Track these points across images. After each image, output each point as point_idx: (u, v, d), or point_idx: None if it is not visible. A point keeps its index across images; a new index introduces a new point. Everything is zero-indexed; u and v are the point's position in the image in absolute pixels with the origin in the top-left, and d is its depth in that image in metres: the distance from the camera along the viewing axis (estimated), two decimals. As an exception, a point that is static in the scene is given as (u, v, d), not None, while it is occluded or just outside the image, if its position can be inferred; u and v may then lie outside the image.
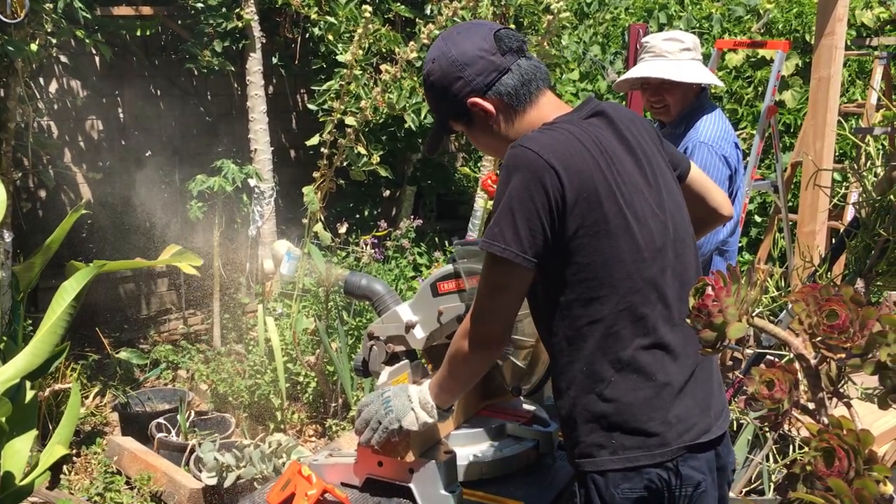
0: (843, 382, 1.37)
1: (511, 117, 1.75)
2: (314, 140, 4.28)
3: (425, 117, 5.18)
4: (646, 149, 1.75)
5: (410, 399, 1.81)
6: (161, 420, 3.81)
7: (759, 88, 5.85)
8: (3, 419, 0.91)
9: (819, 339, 1.21)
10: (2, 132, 3.88)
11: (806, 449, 1.20)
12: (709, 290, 1.31)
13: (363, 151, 4.18)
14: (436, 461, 1.86)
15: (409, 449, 1.87)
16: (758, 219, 5.80)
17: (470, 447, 2.04)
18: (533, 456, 2.05)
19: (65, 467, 3.55)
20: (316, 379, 4.26)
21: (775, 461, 2.81)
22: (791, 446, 2.88)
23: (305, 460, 2.05)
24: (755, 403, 1.27)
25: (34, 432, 0.98)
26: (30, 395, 1.00)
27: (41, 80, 5.97)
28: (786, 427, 2.66)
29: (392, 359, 2.10)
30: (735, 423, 2.91)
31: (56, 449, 1.02)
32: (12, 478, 0.98)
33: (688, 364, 1.67)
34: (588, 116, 1.72)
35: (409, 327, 2.01)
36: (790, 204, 4.78)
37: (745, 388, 1.30)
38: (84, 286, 1.01)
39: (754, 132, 4.48)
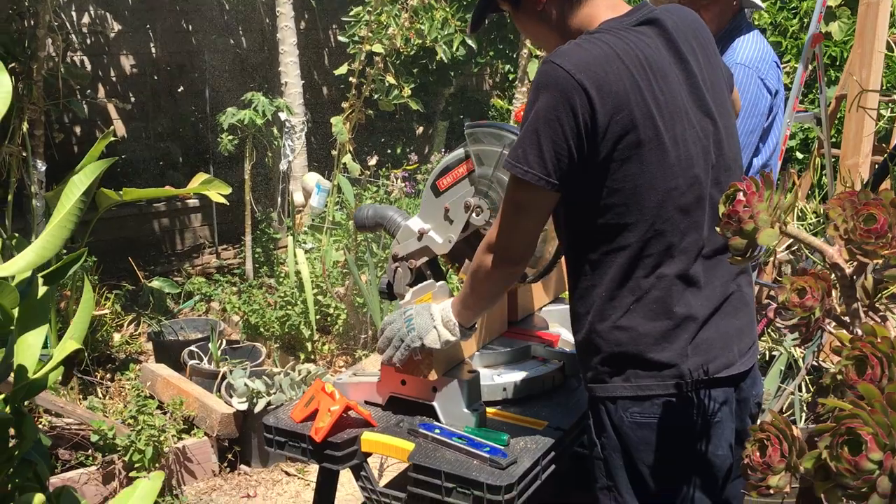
0: (879, 296, 1.31)
1: (562, 8, 1.64)
2: (342, 69, 4.22)
3: (457, 49, 5.08)
4: (702, 63, 1.63)
5: (433, 317, 1.79)
6: (193, 348, 3.86)
7: (805, 20, 5.63)
8: (14, 310, 0.91)
9: (855, 244, 1.15)
10: (32, 61, 3.88)
11: (839, 359, 1.15)
12: (740, 196, 1.25)
13: (392, 81, 4.11)
14: (458, 380, 1.85)
15: (432, 367, 1.86)
16: (799, 156, 5.65)
17: (495, 367, 2.02)
18: (559, 377, 2.03)
19: (99, 391, 3.62)
20: (346, 311, 4.27)
21: (808, 391, 2.76)
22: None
23: (330, 379, 2.05)
24: (785, 313, 1.22)
25: (46, 327, 0.98)
26: (42, 290, 1.00)
27: (73, 13, 5.96)
28: (821, 358, 2.60)
29: (418, 280, 2.08)
30: (768, 353, 2.86)
31: (68, 344, 1.01)
32: (25, 371, 0.99)
33: (714, 297, 1.61)
34: (638, 24, 1.60)
35: (423, 233, 2.00)
36: (833, 140, 4.63)
37: (774, 297, 1.25)
38: (94, 181, 0.99)
39: (798, 66, 4.32)
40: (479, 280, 1.70)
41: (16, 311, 1.00)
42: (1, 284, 0.87)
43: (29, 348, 0.99)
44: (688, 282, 1.57)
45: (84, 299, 1.09)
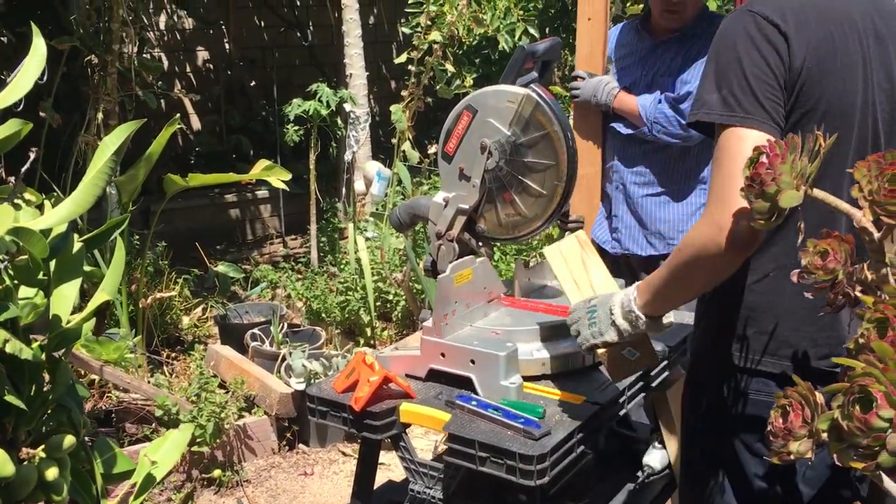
0: (915, 264, 1.27)
1: None
2: (402, 58, 4.26)
3: (519, 39, 5.07)
4: None
5: (612, 311, 1.59)
6: (256, 331, 3.97)
7: None
8: (43, 259, 0.97)
9: (879, 205, 1.13)
10: (106, 53, 4.05)
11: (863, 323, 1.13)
12: (762, 158, 1.24)
13: (451, 69, 4.14)
14: (496, 353, 1.87)
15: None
16: None
17: (534, 342, 2.03)
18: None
19: (165, 369, 3.77)
20: (404, 297, 4.33)
21: None
22: None
23: (372, 352, 2.09)
24: (808, 276, 1.20)
25: (80, 280, 1.05)
26: (77, 246, 1.06)
27: (151, 13, 6.20)
28: None
29: (464, 256, 2.11)
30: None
31: (100, 295, 1.08)
32: (59, 320, 1.05)
33: None
34: None
35: (447, 201, 2.05)
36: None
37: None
38: (123, 142, 1.05)
39: None
40: (695, 264, 1.42)
41: (52, 264, 1.06)
42: (29, 233, 0.94)
43: (63, 299, 1.06)
44: None
45: (116, 256, 1.15)
